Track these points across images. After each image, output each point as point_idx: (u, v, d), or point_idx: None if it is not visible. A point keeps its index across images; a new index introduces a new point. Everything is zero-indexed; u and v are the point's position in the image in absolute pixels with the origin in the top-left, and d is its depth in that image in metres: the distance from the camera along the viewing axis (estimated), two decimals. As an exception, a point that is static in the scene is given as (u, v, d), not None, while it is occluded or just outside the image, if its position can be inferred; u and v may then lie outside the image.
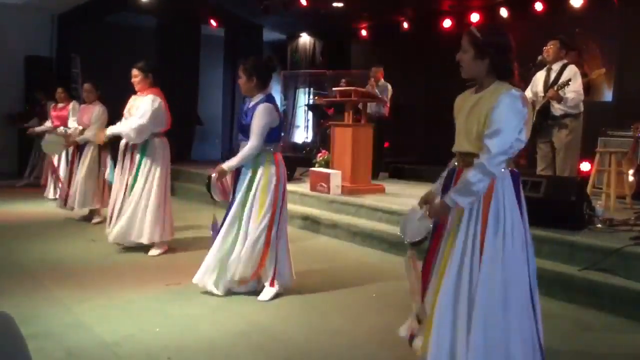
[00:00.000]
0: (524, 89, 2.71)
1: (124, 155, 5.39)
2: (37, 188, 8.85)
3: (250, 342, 3.39)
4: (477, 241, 2.54)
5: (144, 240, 5.27)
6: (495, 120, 2.49)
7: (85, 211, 6.95)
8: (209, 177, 4.16)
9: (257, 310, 3.92)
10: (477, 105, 2.60)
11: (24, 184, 9.78)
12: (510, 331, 2.50)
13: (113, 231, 5.31)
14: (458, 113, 2.75)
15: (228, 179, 4.22)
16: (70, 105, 7.88)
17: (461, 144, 2.67)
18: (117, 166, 5.53)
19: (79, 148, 6.83)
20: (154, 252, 5.35)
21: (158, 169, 5.32)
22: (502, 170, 2.54)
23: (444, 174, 2.83)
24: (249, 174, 4.11)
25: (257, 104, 4.12)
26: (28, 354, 1.55)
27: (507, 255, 2.53)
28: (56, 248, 5.54)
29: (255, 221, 4.06)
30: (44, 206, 7.87)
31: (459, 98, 2.81)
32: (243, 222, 4.10)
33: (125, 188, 5.31)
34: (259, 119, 4.03)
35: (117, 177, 5.46)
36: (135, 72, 5.33)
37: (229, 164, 4.12)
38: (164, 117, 5.35)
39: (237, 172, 4.19)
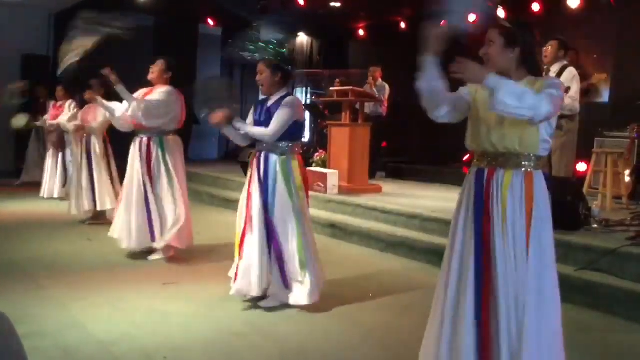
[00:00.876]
0: None
1: (139, 153, 5.13)
2: (33, 187, 8.86)
3: (246, 342, 3.39)
4: (522, 242, 2.43)
5: (161, 244, 5.09)
6: (551, 85, 2.38)
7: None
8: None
9: (253, 310, 3.91)
10: None
11: (21, 182, 9.77)
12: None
13: (133, 236, 5.11)
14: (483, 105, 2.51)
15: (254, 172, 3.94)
16: (67, 104, 7.91)
17: (501, 143, 2.45)
18: (131, 164, 5.23)
19: (87, 148, 6.74)
20: (155, 256, 5.17)
21: (177, 169, 5.17)
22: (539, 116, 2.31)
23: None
24: (281, 180, 3.87)
25: (283, 97, 3.94)
26: (24, 353, 1.54)
27: (548, 257, 2.51)
28: (52, 247, 5.53)
29: (308, 222, 3.95)
30: (40, 205, 7.86)
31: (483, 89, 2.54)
32: (301, 227, 3.89)
33: (141, 187, 5.10)
34: (287, 111, 3.84)
35: (129, 176, 5.23)
36: (159, 62, 5.19)
37: (241, 124, 3.92)
38: (179, 112, 5.18)
39: (265, 176, 3.89)
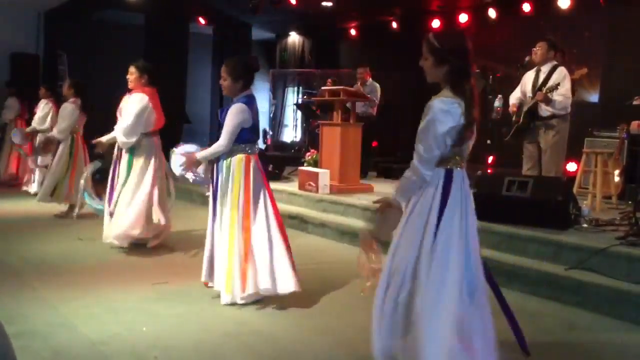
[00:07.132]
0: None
1: (117, 157, 5.40)
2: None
3: (237, 341, 3.39)
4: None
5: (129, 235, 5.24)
6: (419, 130, 2.68)
7: (64, 207, 6.94)
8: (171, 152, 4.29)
9: (243, 309, 3.90)
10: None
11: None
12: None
13: (111, 232, 5.26)
14: None
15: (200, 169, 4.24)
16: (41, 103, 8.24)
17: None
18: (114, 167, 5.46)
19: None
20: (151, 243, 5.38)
21: (147, 170, 5.29)
22: (430, 173, 2.67)
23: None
24: (223, 177, 4.05)
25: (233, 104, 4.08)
26: (12, 353, 1.53)
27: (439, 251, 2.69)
28: (42, 247, 5.50)
29: (240, 224, 3.98)
30: (26, 204, 7.77)
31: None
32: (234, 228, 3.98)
33: (119, 188, 5.30)
34: (230, 119, 3.99)
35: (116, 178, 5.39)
36: (131, 69, 5.32)
37: (202, 154, 4.12)
38: (151, 116, 5.33)
39: (216, 172, 4.12)
